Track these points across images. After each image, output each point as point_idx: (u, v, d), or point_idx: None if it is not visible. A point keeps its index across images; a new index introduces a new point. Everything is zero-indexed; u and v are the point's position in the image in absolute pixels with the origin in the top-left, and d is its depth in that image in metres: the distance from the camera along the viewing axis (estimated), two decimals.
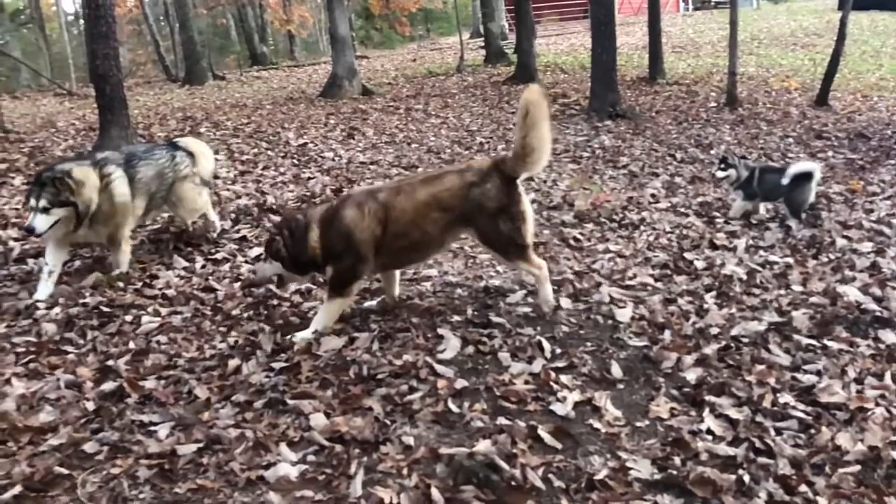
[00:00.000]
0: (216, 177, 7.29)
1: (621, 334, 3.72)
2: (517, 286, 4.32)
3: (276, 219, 5.35)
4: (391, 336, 3.70)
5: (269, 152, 9.26)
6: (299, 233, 3.81)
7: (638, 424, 2.94)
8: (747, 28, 22.10)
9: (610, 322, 3.86)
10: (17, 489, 2.50)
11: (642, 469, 2.63)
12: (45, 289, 4.43)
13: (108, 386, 3.27)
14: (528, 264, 3.94)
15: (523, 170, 3.82)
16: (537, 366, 3.36)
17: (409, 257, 4.03)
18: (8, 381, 3.35)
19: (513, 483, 2.51)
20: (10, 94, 19.68)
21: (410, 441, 2.78)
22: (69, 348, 3.72)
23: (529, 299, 4.13)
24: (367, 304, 4.18)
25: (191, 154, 5.37)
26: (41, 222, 4.34)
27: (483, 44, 20.85)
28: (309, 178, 7.67)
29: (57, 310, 4.16)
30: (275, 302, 4.26)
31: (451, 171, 4.00)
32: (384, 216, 3.77)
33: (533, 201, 6.44)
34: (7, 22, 24.45)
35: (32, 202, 4.35)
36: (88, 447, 2.79)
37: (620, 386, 3.25)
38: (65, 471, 2.64)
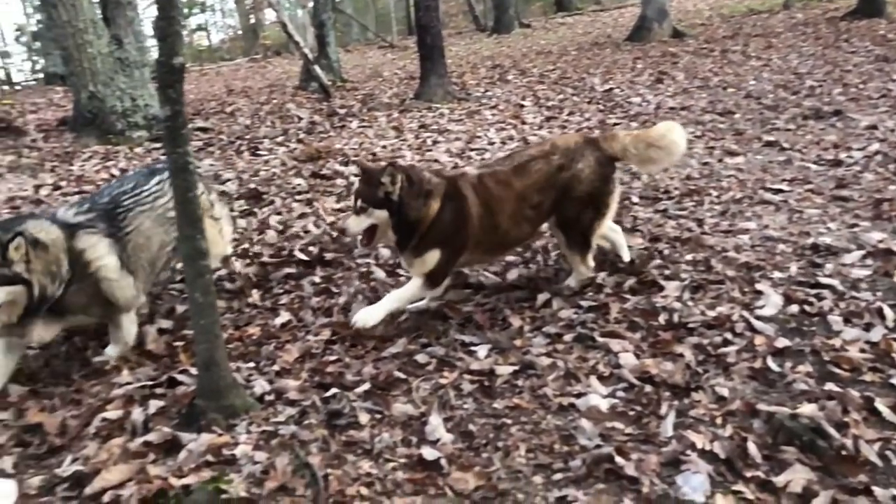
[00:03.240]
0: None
1: None
2: (853, 245, 3.86)
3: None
4: (703, 287, 3.56)
5: (574, 98, 9.31)
6: (419, 187, 3.33)
7: None
8: None
9: None
10: (367, 385, 2.93)
11: None
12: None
13: (433, 304, 3.64)
14: (584, 265, 3.63)
15: (635, 161, 3.66)
16: (876, 334, 2.99)
17: (494, 254, 3.80)
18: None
19: (843, 453, 2.31)
20: (343, 48, 22.31)
21: (724, 392, 2.68)
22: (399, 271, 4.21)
23: (868, 261, 3.67)
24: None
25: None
26: None
27: None
28: (614, 124, 7.58)
29: None
30: None
31: (536, 156, 3.59)
32: (485, 208, 3.46)
33: None
34: None
35: None
36: (420, 358, 3.16)
37: None
38: (402, 375, 3.02)
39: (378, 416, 2.73)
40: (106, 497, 2.32)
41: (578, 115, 8.21)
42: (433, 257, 3.37)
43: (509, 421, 2.65)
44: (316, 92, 11.57)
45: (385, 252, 4.45)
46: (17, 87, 20.75)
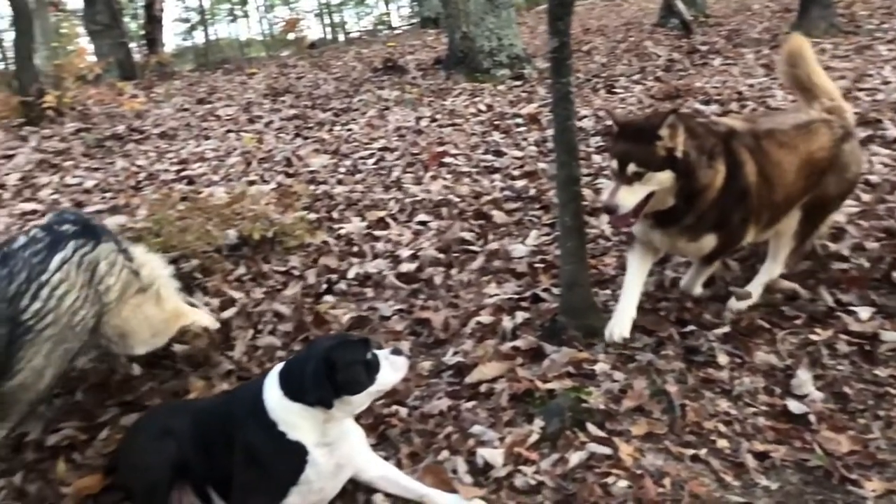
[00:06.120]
0: None
1: None
2: None
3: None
4: None
5: None
6: (703, 141, 2.63)
7: None
8: None
9: None
10: (727, 329, 2.84)
11: None
12: None
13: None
14: (797, 255, 3.16)
15: None
16: None
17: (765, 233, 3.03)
18: None
19: None
20: None
21: None
22: None
23: None
24: None
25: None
26: None
27: None
28: None
29: None
30: None
31: (817, 118, 2.95)
32: (763, 174, 2.79)
33: None
34: None
35: None
36: (786, 310, 2.97)
37: None
38: (765, 325, 2.88)
39: (738, 360, 2.66)
40: (482, 388, 2.65)
41: None
42: (714, 239, 2.79)
43: (894, 391, 2.39)
44: (675, 28, 11.09)
45: None
46: (397, 31, 23.41)
